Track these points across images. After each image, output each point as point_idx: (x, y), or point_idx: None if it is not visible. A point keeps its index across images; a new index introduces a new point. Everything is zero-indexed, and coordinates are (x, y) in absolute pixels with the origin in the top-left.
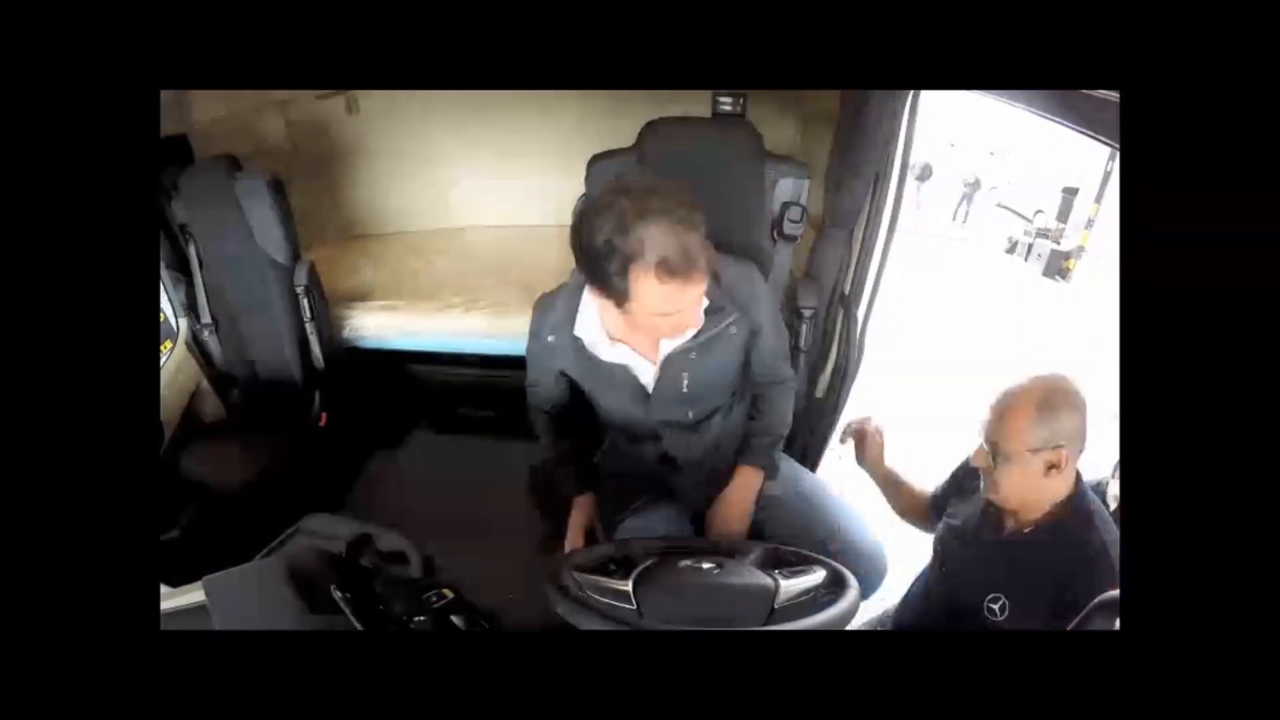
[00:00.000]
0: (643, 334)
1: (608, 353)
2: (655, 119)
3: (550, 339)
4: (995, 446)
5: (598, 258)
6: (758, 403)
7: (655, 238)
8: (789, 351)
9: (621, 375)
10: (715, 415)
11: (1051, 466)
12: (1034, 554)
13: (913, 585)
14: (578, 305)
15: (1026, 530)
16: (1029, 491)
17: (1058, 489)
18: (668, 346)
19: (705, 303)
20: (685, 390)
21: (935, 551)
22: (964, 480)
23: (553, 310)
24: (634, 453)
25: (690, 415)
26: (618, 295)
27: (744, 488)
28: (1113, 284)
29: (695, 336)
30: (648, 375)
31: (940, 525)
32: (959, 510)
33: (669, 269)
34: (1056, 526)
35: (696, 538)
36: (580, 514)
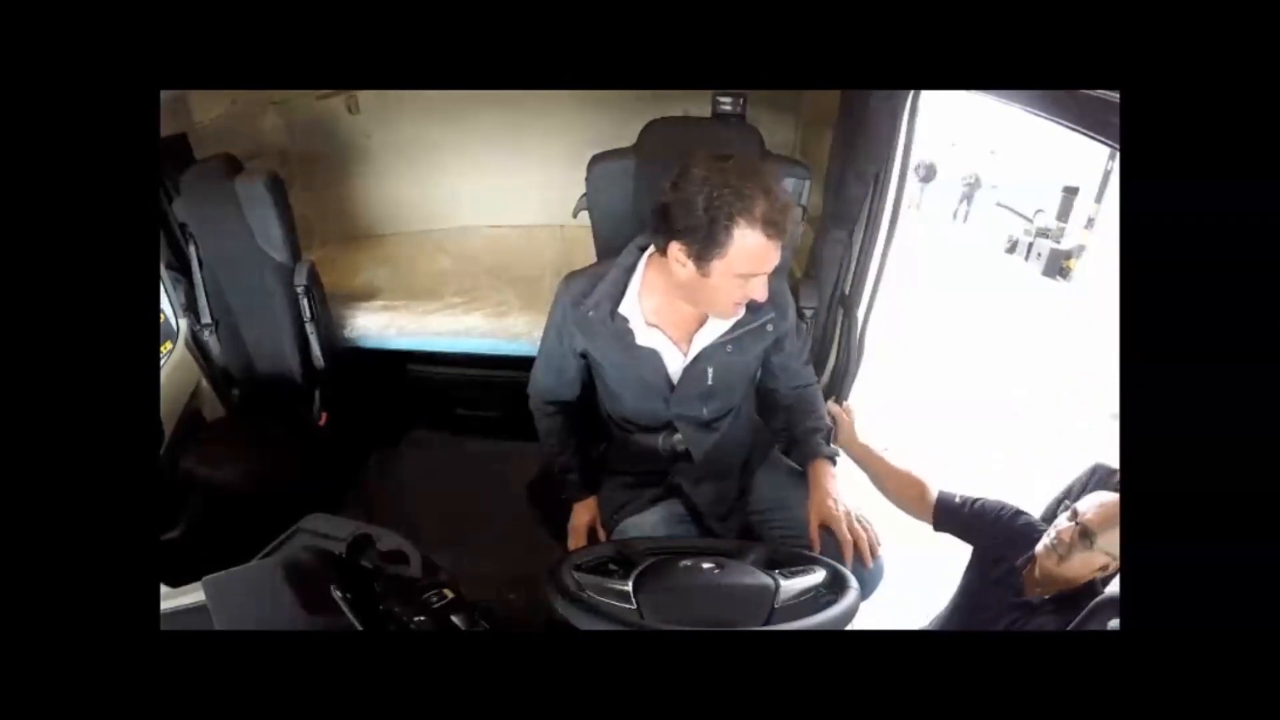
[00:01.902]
0: (697, 308)
1: (643, 336)
2: (655, 119)
3: (590, 313)
4: (1090, 537)
5: (702, 210)
6: (797, 407)
7: (761, 195)
8: (808, 355)
9: (649, 362)
10: (727, 416)
11: (1103, 569)
12: (1047, 608)
13: (957, 594)
14: (627, 283)
15: (1046, 596)
16: (1079, 574)
17: (1088, 577)
18: (703, 340)
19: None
20: (709, 384)
21: (963, 581)
22: (1004, 525)
23: (601, 283)
24: (641, 448)
25: (705, 412)
26: (710, 251)
27: (826, 479)
28: (1113, 283)
29: (733, 330)
30: (675, 365)
31: (969, 560)
32: (985, 558)
33: (773, 223)
34: (1068, 596)
35: (697, 538)
36: (582, 516)
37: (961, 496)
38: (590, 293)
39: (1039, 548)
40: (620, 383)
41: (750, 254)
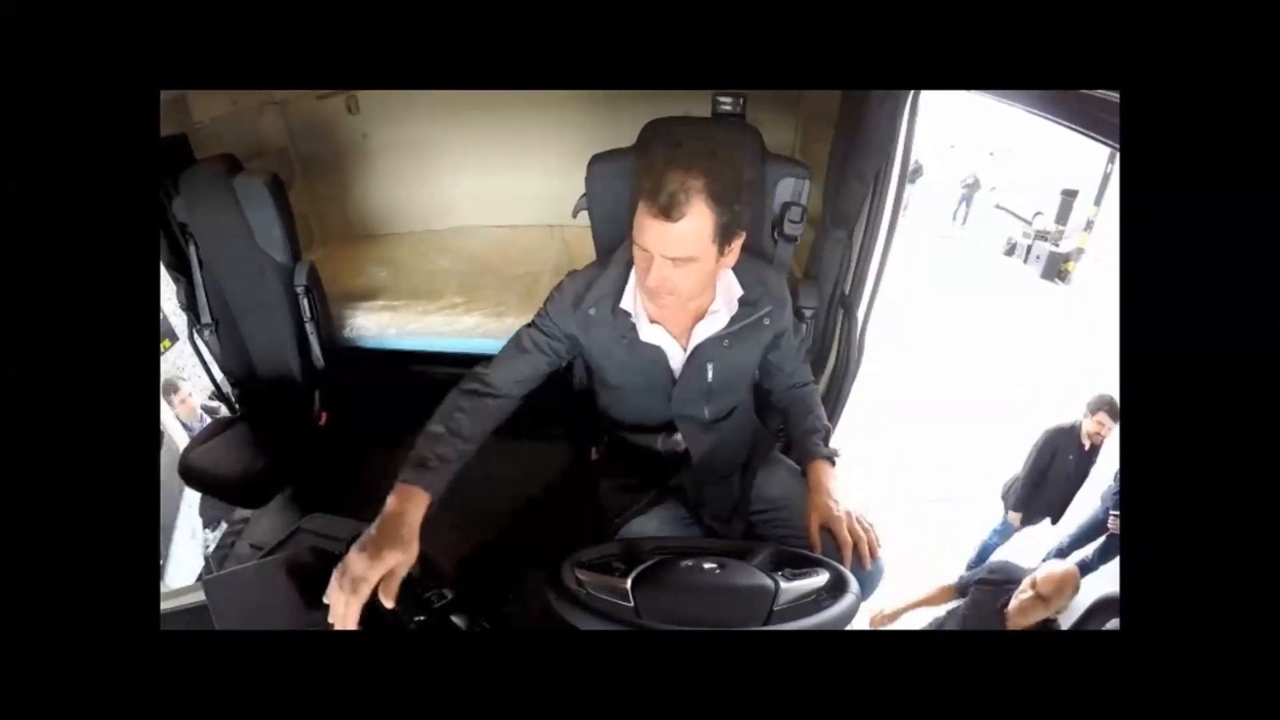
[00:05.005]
0: (655, 298)
1: (646, 332)
2: (655, 119)
3: (591, 311)
4: (1045, 601)
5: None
6: (794, 408)
7: (649, 176)
8: (805, 354)
9: (653, 359)
10: (728, 418)
11: (1048, 621)
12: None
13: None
14: (626, 279)
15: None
16: (1032, 624)
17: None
18: (701, 334)
19: (740, 292)
20: (710, 380)
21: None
22: (992, 584)
23: (599, 281)
24: (640, 449)
25: (707, 413)
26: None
27: (826, 480)
28: (1112, 286)
29: (730, 325)
30: (677, 361)
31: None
32: (980, 603)
33: (652, 197)
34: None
35: (699, 538)
36: (395, 529)
37: (962, 577)
38: (588, 292)
39: (1010, 609)
40: (622, 383)
41: (639, 222)
